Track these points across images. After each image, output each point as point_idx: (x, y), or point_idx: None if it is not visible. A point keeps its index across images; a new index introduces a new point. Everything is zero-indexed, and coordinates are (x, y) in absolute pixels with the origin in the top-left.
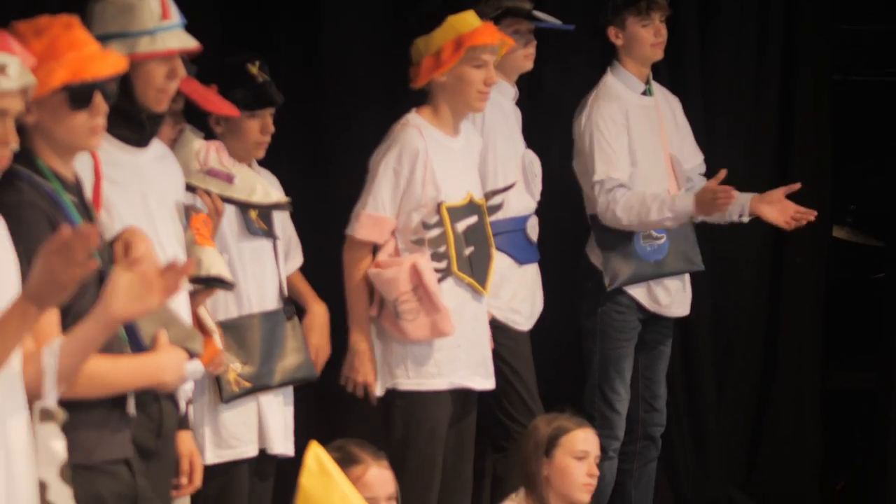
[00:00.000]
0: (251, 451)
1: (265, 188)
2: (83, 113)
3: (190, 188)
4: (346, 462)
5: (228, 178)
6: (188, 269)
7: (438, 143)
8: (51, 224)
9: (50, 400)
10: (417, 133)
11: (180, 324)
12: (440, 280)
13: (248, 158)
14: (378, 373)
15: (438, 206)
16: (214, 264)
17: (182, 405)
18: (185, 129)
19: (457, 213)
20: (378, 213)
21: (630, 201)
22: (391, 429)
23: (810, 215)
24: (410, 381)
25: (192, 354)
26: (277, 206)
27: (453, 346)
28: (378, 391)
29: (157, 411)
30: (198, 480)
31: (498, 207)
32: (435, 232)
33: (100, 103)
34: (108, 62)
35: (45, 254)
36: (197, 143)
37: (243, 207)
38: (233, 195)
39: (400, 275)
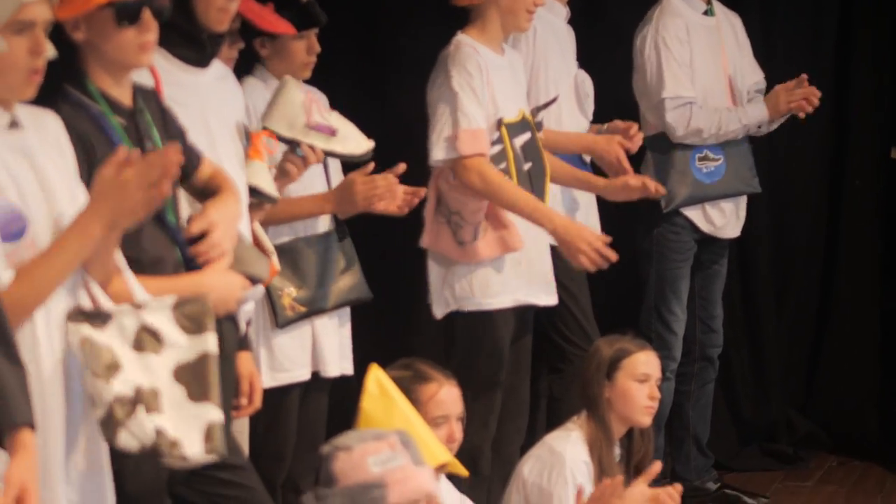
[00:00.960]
0: (304, 375)
1: (357, 139)
2: (131, 29)
3: (293, 142)
4: (417, 380)
5: (331, 132)
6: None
7: (490, 61)
8: (85, 148)
9: None
10: (473, 51)
11: (247, 247)
12: None
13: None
14: (439, 297)
15: (499, 123)
16: (255, 175)
17: (242, 326)
18: (288, 79)
19: (513, 129)
20: (473, 126)
21: (706, 113)
22: (453, 349)
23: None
24: (475, 300)
25: (255, 280)
26: (365, 157)
27: (515, 263)
28: (438, 315)
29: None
30: (257, 401)
31: (541, 125)
32: (496, 149)
33: (148, 20)
34: None
35: (104, 175)
36: (301, 96)
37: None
38: (334, 149)
39: (474, 195)
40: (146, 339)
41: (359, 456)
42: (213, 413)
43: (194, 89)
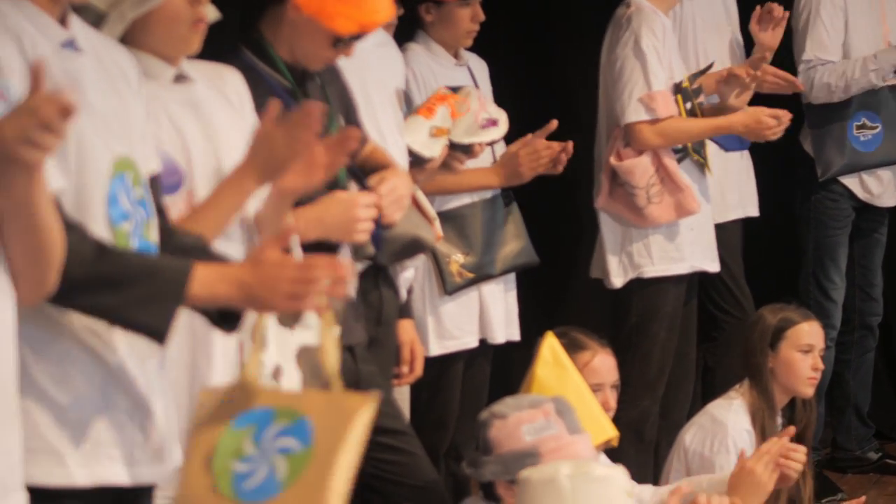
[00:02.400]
0: (472, 342)
1: (502, 116)
2: None
3: (465, 147)
4: (572, 348)
5: (494, 123)
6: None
7: (666, 23)
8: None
9: None
10: (652, 12)
11: (414, 211)
12: (678, 161)
13: (456, 47)
14: (616, 264)
15: (676, 87)
16: (411, 132)
17: (403, 293)
18: (469, 90)
19: (685, 94)
20: (663, 87)
21: (831, 66)
22: (627, 314)
23: None
24: (655, 267)
25: (423, 244)
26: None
27: (687, 229)
28: (617, 284)
29: (376, 298)
30: (418, 369)
31: (700, 91)
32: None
33: None
34: None
35: (261, 129)
36: (476, 103)
37: None
38: (495, 138)
39: (645, 159)
40: (287, 314)
41: (513, 424)
42: None
43: (353, 56)
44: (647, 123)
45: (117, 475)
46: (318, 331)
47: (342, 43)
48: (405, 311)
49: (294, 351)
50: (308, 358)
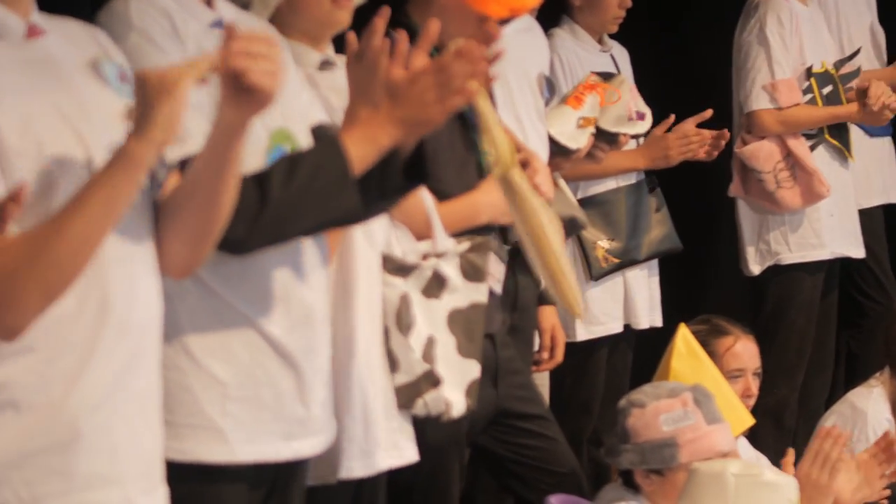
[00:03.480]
0: (617, 328)
1: (650, 115)
2: None
3: (611, 137)
4: (715, 333)
5: (643, 117)
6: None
7: (798, 11)
8: None
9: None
10: (784, 0)
11: (561, 192)
12: (812, 148)
13: (601, 33)
14: (754, 251)
15: (807, 73)
16: (556, 122)
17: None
18: (624, 79)
19: (820, 79)
20: (787, 76)
21: None
22: (763, 302)
23: None
24: (793, 254)
25: (577, 224)
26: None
27: (827, 215)
28: (755, 271)
29: (512, 285)
30: (559, 356)
31: (854, 74)
32: (805, 98)
33: None
34: None
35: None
36: (629, 95)
37: None
38: (639, 131)
39: (769, 144)
40: (433, 285)
41: (651, 413)
42: (475, 370)
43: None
44: (770, 111)
45: (278, 451)
46: (464, 292)
47: (490, 26)
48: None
49: (445, 318)
50: (459, 321)
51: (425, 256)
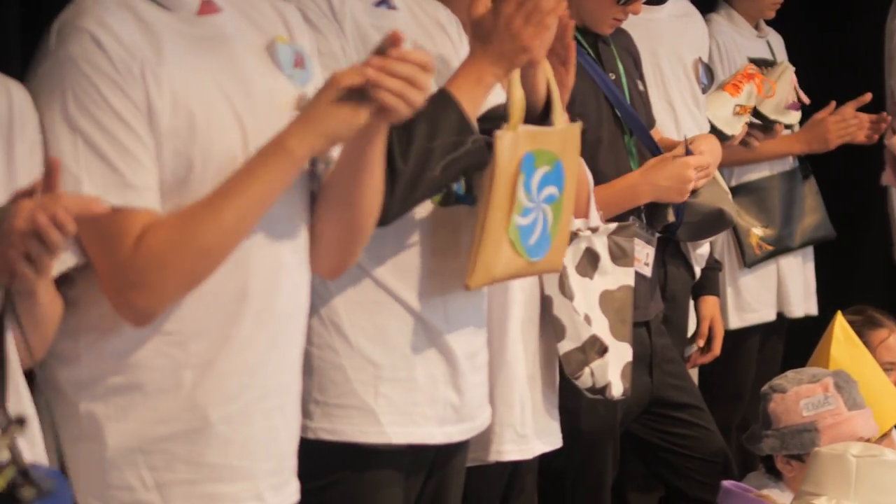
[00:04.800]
0: (770, 315)
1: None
2: None
3: (767, 125)
4: (868, 325)
5: (797, 107)
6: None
7: None
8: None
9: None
10: None
11: (714, 182)
12: None
13: (758, 18)
14: None
15: None
16: (714, 108)
17: (697, 270)
18: (788, 66)
19: None
20: None
21: None
22: None
23: None
24: None
25: (727, 218)
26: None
27: None
28: None
29: (661, 275)
30: (717, 348)
31: None
32: None
33: None
34: None
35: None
36: (789, 84)
37: None
38: (792, 122)
39: None
40: (586, 263)
41: (792, 398)
42: (629, 353)
43: (646, 26)
44: None
45: (431, 435)
46: (613, 275)
47: (627, 1)
48: (709, 287)
49: (597, 298)
50: (610, 303)
51: (578, 231)
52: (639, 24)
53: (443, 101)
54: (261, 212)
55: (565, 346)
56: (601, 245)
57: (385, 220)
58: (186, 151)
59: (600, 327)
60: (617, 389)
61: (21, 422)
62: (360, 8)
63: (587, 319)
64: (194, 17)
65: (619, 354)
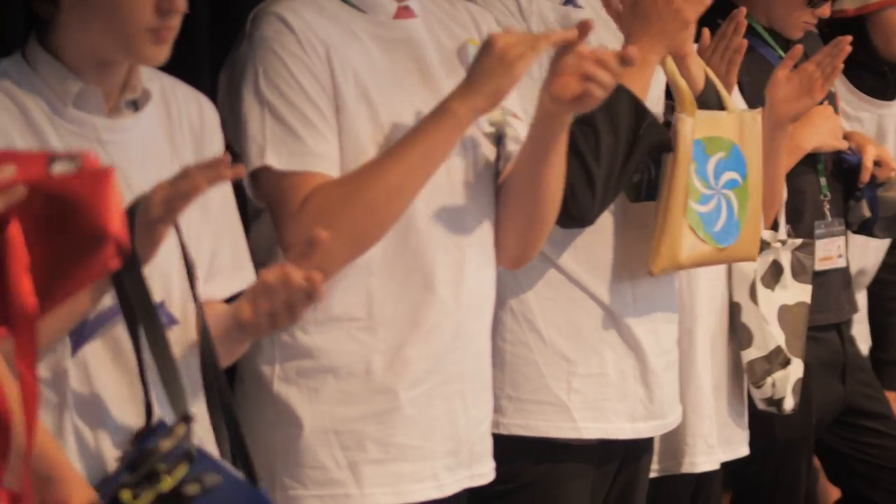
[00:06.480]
0: None
1: None
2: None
3: None
4: None
5: None
6: None
7: None
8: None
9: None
10: None
11: None
12: None
13: None
14: None
15: None
16: None
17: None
18: None
19: None
20: None
21: None
22: None
23: None
24: None
25: None
26: None
27: None
28: None
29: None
30: None
31: None
32: None
33: None
34: None
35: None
36: None
37: None
38: None
39: None
40: (770, 275)
41: None
42: (800, 370)
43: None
44: None
45: (621, 430)
46: (792, 290)
47: (816, 4)
48: None
49: (776, 312)
50: (788, 318)
51: (768, 242)
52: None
53: (615, 91)
54: (425, 172)
55: (751, 354)
56: (786, 259)
57: (588, 220)
58: (364, 138)
59: (775, 333)
60: (789, 404)
61: (187, 419)
62: (548, 7)
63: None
64: (390, 21)
65: (794, 370)
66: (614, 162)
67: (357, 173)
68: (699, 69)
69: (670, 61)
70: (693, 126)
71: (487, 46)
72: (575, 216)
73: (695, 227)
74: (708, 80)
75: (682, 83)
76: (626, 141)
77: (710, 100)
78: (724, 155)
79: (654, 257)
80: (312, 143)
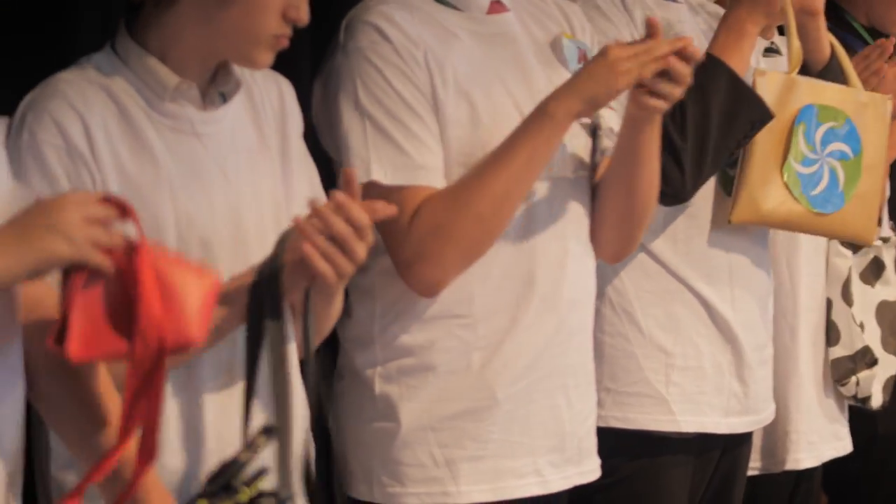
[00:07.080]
0: None
1: None
2: None
3: None
4: None
5: None
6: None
7: None
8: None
9: None
10: None
11: None
12: None
13: None
14: None
15: None
16: None
17: None
18: None
19: None
20: None
21: None
22: None
23: None
24: None
25: None
26: None
27: None
28: None
29: None
30: None
31: None
32: None
33: None
34: None
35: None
36: None
37: None
38: None
39: None
40: (870, 271)
41: None
42: (894, 367)
43: None
44: None
45: (717, 424)
46: (894, 286)
47: None
48: None
49: (874, 307)
50: (886, 314)
51: None
52: None
53: (710, 65)
54: (529, 177)
55: (836, 353)
56: (888, 256)
57: (682, 196)
58: (468, 141)
59: (872, 337)
60: (876, 401)
61: (268, 431)
62: (651, 2)
63: (861, 327)
64: (484, 16)
65: (886, 367)
66: (705, 137)
67: (463, 184)
68: (825, 37)
69: (791, 14)
70: (785, 85)
71: (601, 54)
72: (668, 193)
73: (791, 184)
74: (834, 54)
75: (796, 42)
76: (720, 114)
77: (834, 72)
78: (838, 125)
79: (733, 205)
80: (417, 155)
